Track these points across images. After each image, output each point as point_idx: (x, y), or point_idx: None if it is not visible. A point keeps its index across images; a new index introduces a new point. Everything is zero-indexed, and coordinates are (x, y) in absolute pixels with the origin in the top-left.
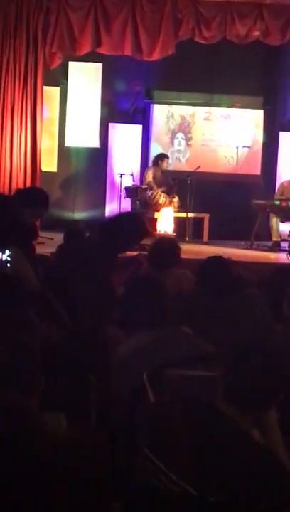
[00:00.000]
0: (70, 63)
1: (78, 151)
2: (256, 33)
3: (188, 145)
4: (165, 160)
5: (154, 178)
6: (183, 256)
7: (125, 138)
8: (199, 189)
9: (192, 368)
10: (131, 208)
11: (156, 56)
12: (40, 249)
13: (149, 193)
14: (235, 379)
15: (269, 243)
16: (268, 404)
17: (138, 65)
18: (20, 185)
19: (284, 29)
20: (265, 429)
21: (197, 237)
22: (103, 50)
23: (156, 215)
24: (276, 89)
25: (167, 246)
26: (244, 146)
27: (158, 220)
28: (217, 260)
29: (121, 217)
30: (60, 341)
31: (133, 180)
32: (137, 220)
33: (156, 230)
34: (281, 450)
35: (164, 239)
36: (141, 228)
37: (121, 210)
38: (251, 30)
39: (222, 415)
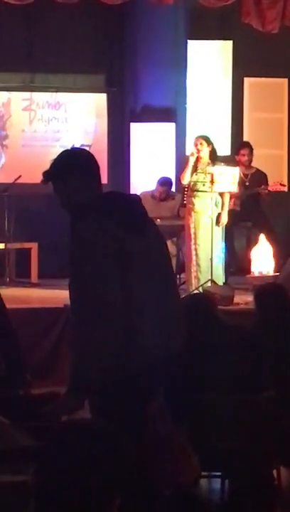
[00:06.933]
0: None
1: None
2: None
3: (2, 146)
4: None
5: None
6: None
7: None
8: (21, 208)
9: None
10: None
11: None
12: None
13: None
14: (47, 486)
15: None
16: None
17: None
18: None
19: None
20: None
21: (22, 277)
22: None
23: None
24: (122, 64)
25: None
26: (82, 145)
27: None
28: None
29: None
30: None
31: None
32: None
33: None
34: None
35: None
36: None
37: None
38: None
39: None
